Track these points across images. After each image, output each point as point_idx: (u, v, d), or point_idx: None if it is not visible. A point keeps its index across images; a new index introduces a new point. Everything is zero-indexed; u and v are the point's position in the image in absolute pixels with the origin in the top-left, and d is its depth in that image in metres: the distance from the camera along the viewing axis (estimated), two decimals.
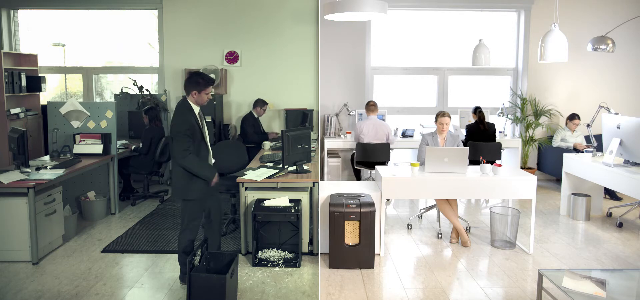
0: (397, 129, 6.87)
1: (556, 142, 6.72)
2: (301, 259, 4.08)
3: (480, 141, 5.86)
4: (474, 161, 5.28)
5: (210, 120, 6.66)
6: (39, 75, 6.96)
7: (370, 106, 6.06)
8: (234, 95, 7.22)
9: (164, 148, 5.96)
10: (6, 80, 6.32)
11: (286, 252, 4.13)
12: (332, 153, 6.72)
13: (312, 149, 5.11)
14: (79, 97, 7.43)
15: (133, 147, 5.98)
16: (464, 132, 6.21)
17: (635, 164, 4.71)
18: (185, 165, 3.41)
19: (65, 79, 7.63)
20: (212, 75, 3.46)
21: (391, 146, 6.02)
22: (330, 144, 6.66)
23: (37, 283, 3.67)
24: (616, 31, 6.42)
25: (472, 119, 6.22)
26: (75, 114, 5.36)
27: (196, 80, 3.44)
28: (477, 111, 6.05)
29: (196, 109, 3.52)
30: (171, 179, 3.49)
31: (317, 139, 6.79)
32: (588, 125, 5.42)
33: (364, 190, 4.37)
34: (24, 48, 7.40)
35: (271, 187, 4.23)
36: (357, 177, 6.44)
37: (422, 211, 5.46)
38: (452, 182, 4.28)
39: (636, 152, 4.63)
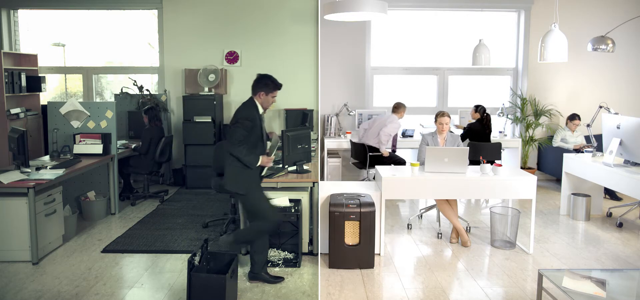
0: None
1: (556, 142, 6.72)
2: (301, 259, 4.08)
3: (480, 141, 5.86)
4: (474, 161, 5.28)
5: (209, 120, 6.66)
6: (39, 75, 6.96)
7: (394, 106, 6.02)
8: (234, 95, 7.22)
9: (163, 148, 5.96)
10: (6, 80, 6.32)
11: (286, 252, 4.13)
12: (332, 153, 6.72)
13: (312, 149, 5.11)
14: (79, 97, 7.43)
15: (133, 147, 5.99)
16: (462, 131, 6.20)
17: (635, 164, 4.71)
18: (235, 152, 3.45)
19: (65, 79, 7.63)
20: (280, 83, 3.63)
21: (379, 146, 5.89)
22: (330, 144, 6.67)
23: (37, 283, 3.67)
24: (616, 31, 6.41)
25: (472, 119, 6.21)
26: (75, 114, 5.36)
27: (266, 81, 3.52)
28: (480, 110, 6.04)
29: (260, 110, 3.57)
30: (225, 175, 3.55)
31: (317, 139, 6.79)
32: (588, 125, 5.42)
33: (364, 190, 4.36)
34: (24, 48, 7.40)
35: (271, 187, 4.23)
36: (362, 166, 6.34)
37: (422, 211, 5.46)
38: (452, 182, 4.28)
39: (636, 152, 4.63)
